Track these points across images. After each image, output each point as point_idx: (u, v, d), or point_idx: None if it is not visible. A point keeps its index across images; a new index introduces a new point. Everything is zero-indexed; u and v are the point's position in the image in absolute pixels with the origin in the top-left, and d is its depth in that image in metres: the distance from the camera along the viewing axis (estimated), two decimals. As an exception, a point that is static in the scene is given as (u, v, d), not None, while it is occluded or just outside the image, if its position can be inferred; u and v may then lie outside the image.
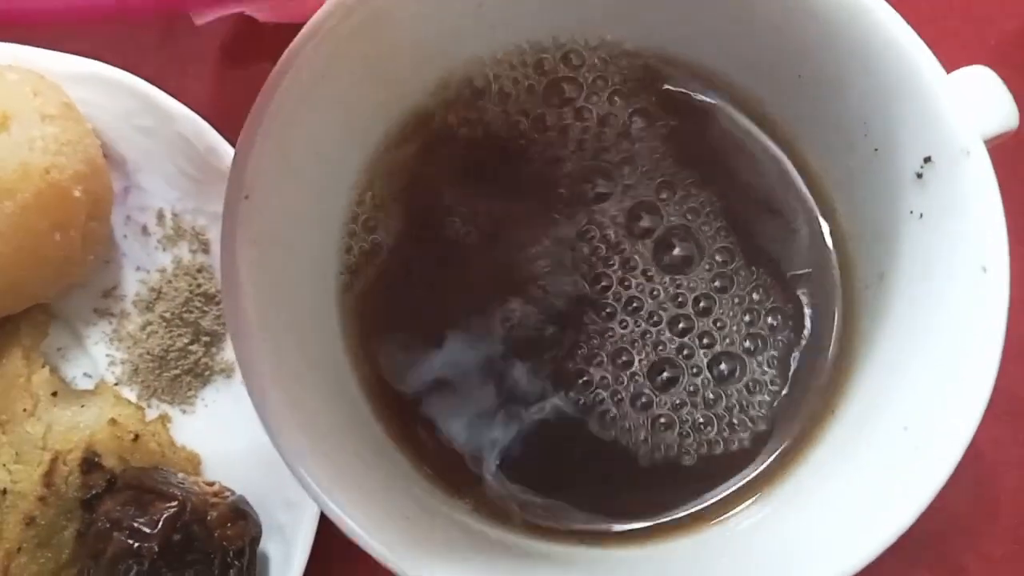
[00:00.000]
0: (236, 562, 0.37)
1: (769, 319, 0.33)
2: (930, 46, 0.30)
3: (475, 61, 0.35)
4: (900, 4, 0.31)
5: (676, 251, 0.34)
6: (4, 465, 0.39)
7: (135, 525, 0.35)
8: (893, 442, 0.28)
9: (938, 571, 0.42)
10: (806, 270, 0.34)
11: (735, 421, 0.32)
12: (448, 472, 0.32)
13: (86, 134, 0.44)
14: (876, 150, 0.32)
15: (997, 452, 0.42)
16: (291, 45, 0.28)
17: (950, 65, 0.32)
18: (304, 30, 0.29)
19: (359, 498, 0.27)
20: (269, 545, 0.41)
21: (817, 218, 0.34)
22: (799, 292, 0.33)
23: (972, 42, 0.45)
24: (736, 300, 0.33)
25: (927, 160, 0.29)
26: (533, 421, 0.32)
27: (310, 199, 0.31)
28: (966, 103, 0.30)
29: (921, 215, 0.30)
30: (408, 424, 0.33)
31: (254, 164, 0.28)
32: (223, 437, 0.44)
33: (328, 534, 0.40)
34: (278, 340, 0.28)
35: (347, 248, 0.34)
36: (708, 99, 0.35)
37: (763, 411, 0.32)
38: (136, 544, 0.35)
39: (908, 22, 0.30)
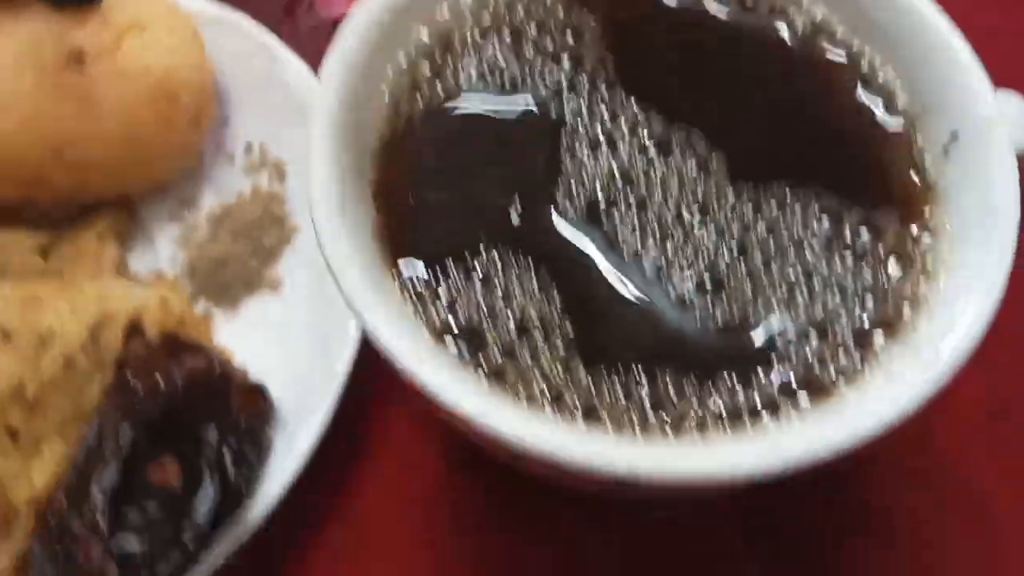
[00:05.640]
0: (247, 428, 0.39)
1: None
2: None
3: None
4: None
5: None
6: (56, 310, 0.42)
7: (166, 366, 0.37)
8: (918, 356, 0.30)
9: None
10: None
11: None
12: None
13: (203, 57, 0.49)
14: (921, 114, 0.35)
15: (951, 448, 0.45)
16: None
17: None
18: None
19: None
20: (276, 438, 0.42)
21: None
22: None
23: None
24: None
25: (954, 135, 0.33)
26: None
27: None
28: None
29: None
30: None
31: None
32: (256, 344, 0.46)
33: (335, 443, 0.42)
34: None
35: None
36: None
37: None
38: (163, 383, 0.37)
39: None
